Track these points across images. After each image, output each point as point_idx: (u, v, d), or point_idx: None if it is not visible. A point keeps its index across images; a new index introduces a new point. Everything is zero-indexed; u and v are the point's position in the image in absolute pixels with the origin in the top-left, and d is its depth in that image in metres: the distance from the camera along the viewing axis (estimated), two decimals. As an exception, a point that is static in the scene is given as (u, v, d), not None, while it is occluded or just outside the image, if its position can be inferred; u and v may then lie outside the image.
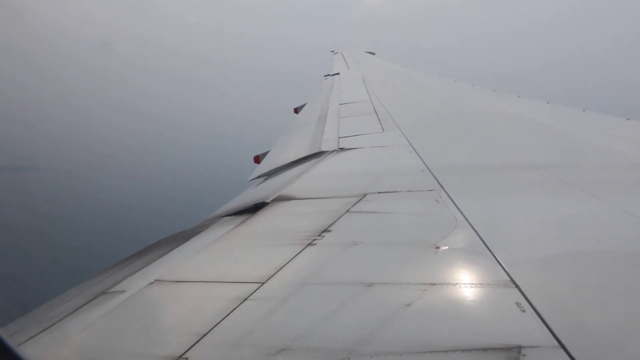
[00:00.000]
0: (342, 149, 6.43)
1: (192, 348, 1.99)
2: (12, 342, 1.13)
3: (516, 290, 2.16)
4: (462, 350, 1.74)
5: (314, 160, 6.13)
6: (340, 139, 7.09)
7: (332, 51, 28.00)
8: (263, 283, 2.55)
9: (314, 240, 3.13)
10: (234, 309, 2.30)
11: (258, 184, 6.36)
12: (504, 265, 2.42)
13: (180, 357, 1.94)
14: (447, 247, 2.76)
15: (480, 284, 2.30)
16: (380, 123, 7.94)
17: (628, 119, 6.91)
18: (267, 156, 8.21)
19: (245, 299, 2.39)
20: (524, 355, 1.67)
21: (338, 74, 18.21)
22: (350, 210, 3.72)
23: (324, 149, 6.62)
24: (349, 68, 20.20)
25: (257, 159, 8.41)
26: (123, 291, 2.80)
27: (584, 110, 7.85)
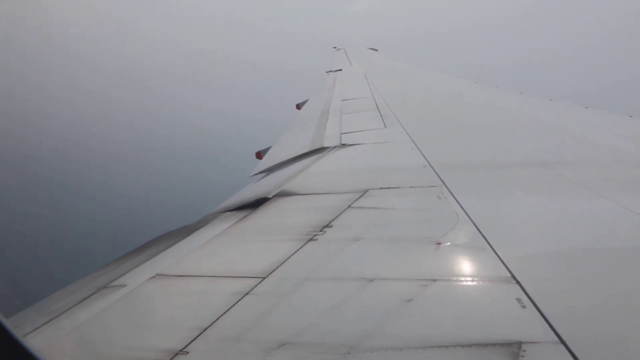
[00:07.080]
0: (344, 145, 6.43)
1: (193, 342, 2.00)
2: (17, 333, 1.14)
3: (517, 286, 2.16)
4: (463, 346, 1.75)
5: (316, 156, 6.12)
6: (342, 135, 7.08)
7: (335, 47, 28.01)
8: (264, 278, 2.56)
9: (315, 235, 3.14)
10: (235, 303, 2.31)
11: (260, 180, 6.36)
12: (504, 261, 2.42)
13: (181, 351, 1.95)
14: (448, 243, 2.76)
15: (481, 279, 2.30)
16: (383, 119, 7.92)
17: (631, 117, 6.89)
18: (269, 152, 8.20)
19: (246, 294, 2.39)
20: (524, 350, 1.68)
21: (340, 70, 18.19)
22: (351, 205, 3.73)
23: (326, 144, 6.61)
24: (351, 64, 20.15)
25: (259, 155, 8.41)
26: (124, 285, 2.81)
27: (586, 108, 7.83)
